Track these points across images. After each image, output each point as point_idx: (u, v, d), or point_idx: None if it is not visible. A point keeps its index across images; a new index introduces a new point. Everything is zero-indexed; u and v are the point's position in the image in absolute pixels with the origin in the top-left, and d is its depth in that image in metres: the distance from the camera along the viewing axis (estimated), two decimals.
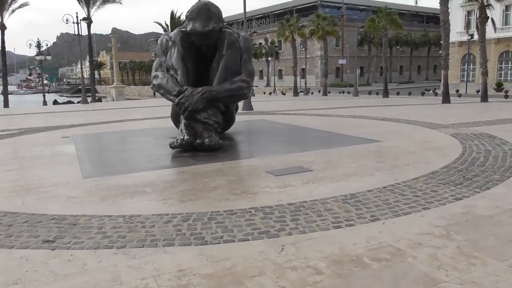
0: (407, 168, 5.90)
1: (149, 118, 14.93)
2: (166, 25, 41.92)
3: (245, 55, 8.85)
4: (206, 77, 8.72)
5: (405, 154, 6.90)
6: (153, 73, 8.99)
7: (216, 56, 8.59)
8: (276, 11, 71.91)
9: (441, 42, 19.84)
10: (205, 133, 7.76)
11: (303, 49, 45.23)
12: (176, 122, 9.47)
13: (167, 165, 6.79)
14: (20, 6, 32.28)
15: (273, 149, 7.84)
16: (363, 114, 14.37)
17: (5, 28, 31.22)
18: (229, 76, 8.37)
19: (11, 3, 31.60)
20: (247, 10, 18.89)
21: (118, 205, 4.67)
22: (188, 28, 8.28)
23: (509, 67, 40.91)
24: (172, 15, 42.05)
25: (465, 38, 34.62)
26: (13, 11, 31.92)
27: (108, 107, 23.37)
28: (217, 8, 8.51)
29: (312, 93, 40.57)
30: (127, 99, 39.34)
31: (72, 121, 14.35)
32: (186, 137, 7.63)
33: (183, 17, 44.03)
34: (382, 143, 8.02)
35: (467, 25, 25.80)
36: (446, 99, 19.66)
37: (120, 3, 39.83)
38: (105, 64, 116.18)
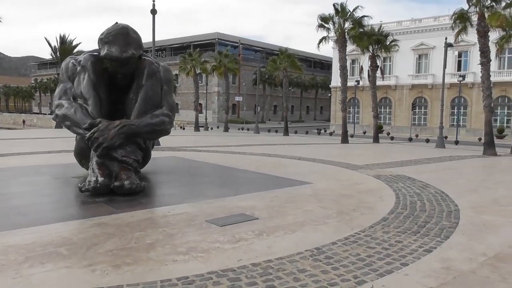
0: (355, 215, 5.65)
1: (39, 152, 12.88)
2: (55, 49, 38.49)
3: (166, 87, 8.05)
4: (121, 109, 7.68)
5: (343, 198, 6.71)
6: (56, 102, 7.64)
7: (134, 86, 7.63)
8: (173, 44, 71.65)
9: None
10: (123, 173, 6.69)
11: (202, 84, 45.23)
12: (82, 160, 8.14)
13: (80, 215, 5.52)
14: None
15: (203, 192, 7.06)
16: (277, 152, 14.33)
17: None
18: (149, 108, 7.47)
19: None
20: (143, 42, 17.97)
21: (26, 278, 3.46)
22: (103, 53, 7.22)
23: (388, 111, 46.04)
24: (62, 39, 38.97)
25: (352, 83, 38.00)
26: None
27: None
28: (136, 33, 7.63)
29: (211, 129, 40.37)
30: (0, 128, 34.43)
31: None
32: (100, 178, 6.47)
33: (76, 42, 41.15)
34: (314, 185, 7.79)
35: (360, 71, 28.38)
36: (345, 139, 20.90)
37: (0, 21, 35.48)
38: None
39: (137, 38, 7.56)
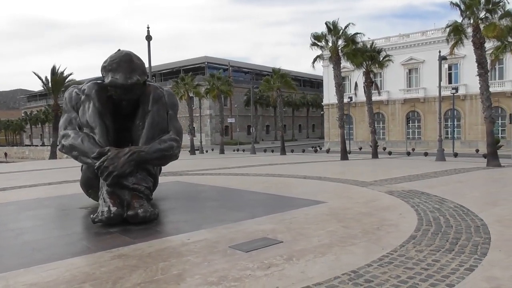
0: (381, 234, 5.50)
1: (39, 184, 12.58)
2: (47, 80, 38.33)
3: (171, 111, 7.96)
4: (125, 136, 7.54)
5: (363, 216, 6.56)
6: (61, 132, 7.48)
7: (140, 112, 7.51)
8: (163, 70, 71.93)
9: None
10: (136, 202, 6.51)
11: (194, 107, 45.25)
12: (89, 190, 7.94)
13: (97, 247, 5.28)
14: None
15: (217, 216, 6.86)
16: (280, 172, 14.19)
17: None
18: (156, 134, 7.34)
19: None
20: None
21: None
22: (107, 80, 7.12)
23: (381, 126, 46.29)
24: (54, 70, 38.85)
25: (345, 100, 38.26)
26: None
27: None
28: (139, 59, 7.56)
29: (207, 151, 40.16)
30: None
31: None
32: (113, 208, 6.26)
33: (66, 72, 41.04)
34: (329, 204, 7.65)
35: (355, 87, 28.65)
36: (344, 156, 20.85)
37: None
38: None
39: (141, 64, 7.50)
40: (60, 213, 7.88)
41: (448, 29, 15.72)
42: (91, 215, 6.36)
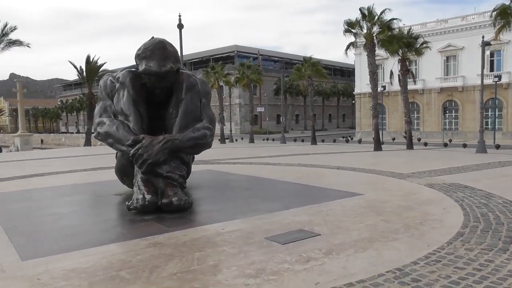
0: (424, 229, 5.21)
1: (75, 170, 12.85)
2: (82, 69, 39.20)
3: (205, 99, 7.85)
4: (158, 124, 7.51)
5: (404, 210, 6.27)
6: (97, 119, 7.49)
7: (173, 100, 7.45)
8: (193, 59, 72.24)
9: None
10: (170, 190, 6.46)
11: (224, 96, 45.26)
12: (123, 177, 7.98)
13: (132, 234, 5.25)
14: None
15: (250, 206, 6.74)
16: (311, 162, 13.92)
17: None
18: (190, 122, 7.25)
19: None
20: None
21: None
22: (141, 68, 7.08)
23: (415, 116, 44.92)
24: (88, 60, 39.67)
25: (378, 89, 37.23)
26: None
27: (16, 158, 20.14)
28: (173, 46, 7.47)
29: (236, 140, 40.21)
30: (33, 148, 35.12)
31: None
32: (147, 196, 6.25)
33: (100, 62, 41.87)
34: (366, 196, 7.38)
35: (390, 76, 27.79)
36: (378, 146, 20.29)
37: (29, 46, 36.37)
38: (3, 111, 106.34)
39: (174, 51, 7.41)
40: (95, 199, 7.97)
41: (494, 13, 14.78)
42: (126, 202, 6.37)
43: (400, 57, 21.58)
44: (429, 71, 42.52)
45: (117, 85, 7.46)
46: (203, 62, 68.35)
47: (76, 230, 5.51)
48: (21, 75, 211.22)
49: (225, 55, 68.44)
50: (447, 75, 42.53)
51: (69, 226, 5.74)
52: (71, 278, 3.77)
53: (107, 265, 4.10)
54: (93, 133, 8.09)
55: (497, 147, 23.63)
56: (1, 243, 4.94)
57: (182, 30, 25.24)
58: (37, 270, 3.99)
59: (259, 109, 51.52)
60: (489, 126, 36.67)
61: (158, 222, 5.79)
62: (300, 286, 3.53)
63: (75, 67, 39.05)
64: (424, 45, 22.63)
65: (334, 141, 34.40)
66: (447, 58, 42.28)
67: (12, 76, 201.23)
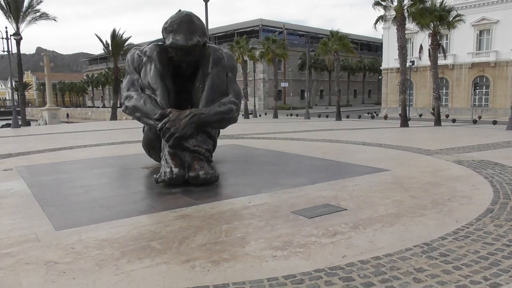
0: (453, 205, 5.14)
1: (103, 144, 13.17)
2: (107, 43, 39.59)
3: (231, 73, 7.82)
4: (185, 99, 7.54)
5: (431, 186, 6.18)
6: (125, 93, 7.58)
7: (200, 74, 7.45)
8: (217, 33, 71.72)
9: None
10: (196, 163, 6.55)
11: (248, 71, 44.94)
12: (150, 150, 8.13)
13: (161, 206, 5.39)
14: None
15: (276, 181, 6.78)
16: (336, 138, 13.82)
17: None
18: (216, 97, 7.26)
19: None
20: None
21: (127, 274, 3.33)
22: (168, 42, 7.06)
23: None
24: (114, 34, 39.98)
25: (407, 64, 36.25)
26: None
27: (45, 132, 20.74)
28: (200, 20, 7.39)
29: (260, 115, 40.15)
30: (61, 122, 36.04)
31: (8, 149, 12.16)
32: (175, 169, 6.35)
33: (125, 36, 42.15)
34: (392, 172, 7.30)
35: (420, 50, 26.89)
36: (404, 122, 19.89)
37: (55, 20, 36.90)
38: (31, 85, 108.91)
39: (201, 25, 7.33)
40: (123, 172, 8.17)
41: None
42: (154, 175, 6.51)
43: (431, 31, 20.82)
44: (461, 45, 40.93)
45: (144, 59, 7.50)
46: (227, 36, 67.81)
47: (106, 201, 5.69)
48: (48, 49, 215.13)
49: (249, 29, 67.57)
50: (479, 50, 40.84)
51: (99, 198, 5.93)
52: (104, 247, 3.92)
53: (138, 236, 4.23)
54: (120, 107, 8.21)
55: None
56: (35, 213, 5.15)
57: (202, 5, 24.93)
58: (71, 239, 4.16)
59: (283, 84, 51.07)
60: None
61: (185, 195, 5.90)
62: (327, 258, 3.56)
63: (101, 41, 39.51)
64: (457, 18, 21.71)
65: (359, 117, 33.91)
66: (480, 32, 40.48)
67: (39, 50, 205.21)
